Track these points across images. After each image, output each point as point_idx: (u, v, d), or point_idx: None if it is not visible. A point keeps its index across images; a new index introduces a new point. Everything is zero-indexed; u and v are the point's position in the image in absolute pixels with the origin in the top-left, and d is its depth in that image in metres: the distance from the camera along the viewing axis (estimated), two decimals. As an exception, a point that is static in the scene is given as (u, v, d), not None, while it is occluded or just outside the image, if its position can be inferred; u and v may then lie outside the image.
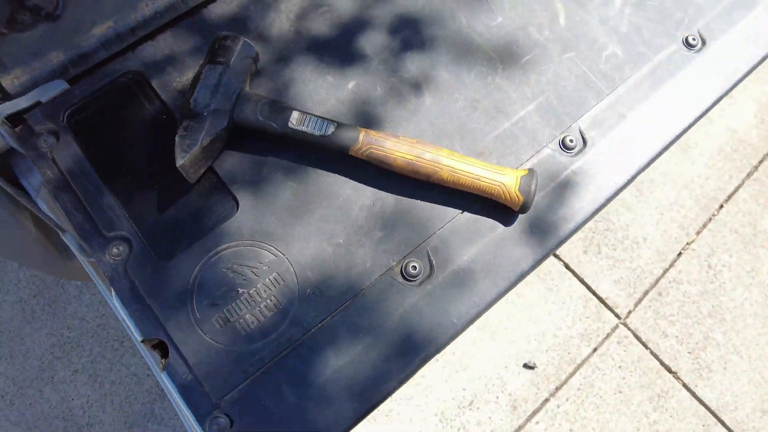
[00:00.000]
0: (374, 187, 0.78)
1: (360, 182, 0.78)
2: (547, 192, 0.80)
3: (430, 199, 0.78)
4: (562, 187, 0.81)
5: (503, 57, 0.87)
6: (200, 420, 0.66)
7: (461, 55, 0.87)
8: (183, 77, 0.81)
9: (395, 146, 0.75)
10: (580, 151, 0.83)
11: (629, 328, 1.79)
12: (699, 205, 1.94)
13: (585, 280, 1.84)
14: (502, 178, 0.75)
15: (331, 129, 0.75)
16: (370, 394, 0.69)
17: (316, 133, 0.74)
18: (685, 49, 0.91)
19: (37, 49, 0.82)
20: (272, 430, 0.66)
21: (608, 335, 1.78)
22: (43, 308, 1.72)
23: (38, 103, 0.81)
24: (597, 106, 0.86)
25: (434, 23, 0.88)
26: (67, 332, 1.70)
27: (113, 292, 0.72)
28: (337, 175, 0.78)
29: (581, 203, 0.80)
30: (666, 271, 1.87)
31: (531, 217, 0.78)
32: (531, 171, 0.77)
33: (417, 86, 0.84)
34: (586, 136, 0.84)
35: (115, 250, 0.73)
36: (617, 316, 1.80)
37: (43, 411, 1.62)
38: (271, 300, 0.72)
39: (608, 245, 1.88)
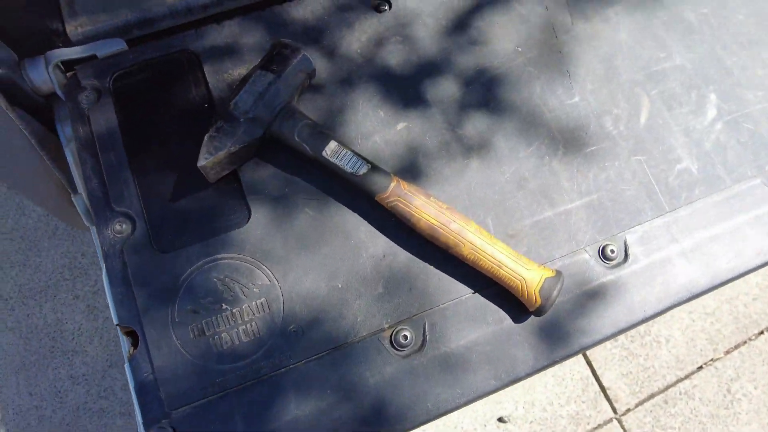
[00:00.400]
0: (390, 239, 0.74)
1: (378, 229, 0.74)
2: (569, 297, 0.74)
3: (444, 268, 0.73)
4: (588, 298, 0.74)
5: (567, 140, 0.81)
6: (147, 424, 0.65)
7: (524, 126, 0.81)
8: (236, 71, 0.78)
9: (423, 206, 0.70)
10: (619, 264, 0.76)
11: (623, 427, 1.69)
12: (737, 323, 1.81)
13: (592, 363, 1.76)
14: (525, 273, 0.70)
15: (364, 170, 0.71)
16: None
17: (348, 169, 0.70)
18: (771, 185, 0.82)
19: (107, 2, 0.81)
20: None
21: (599, 426, 1.69)
22: (65, 229, 1.76)
23: (93, 57, 0.80)
24: (652, 221, 0.79)
25: (506, 84, 0.83)
26: (80, 258, 1.74)
27: (104, 269, 0.70)
28: (357, 215, 0.74)
29: (602, 321, 0.73)
30: (680, 380, 1.75)
31: (545, 320, 0.73)
32: (558, 274, 0.71)
33: (468, 146, 0.79)
34: (630, 251, 0.77)
35: (117, 227, 0.72)
36: (614, 410, 1.71)
37: (38, 325, 1.67)
38: (251, 325, 0.69)
39: (626, 334, 1.78)
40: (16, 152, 0.78)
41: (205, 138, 0.68)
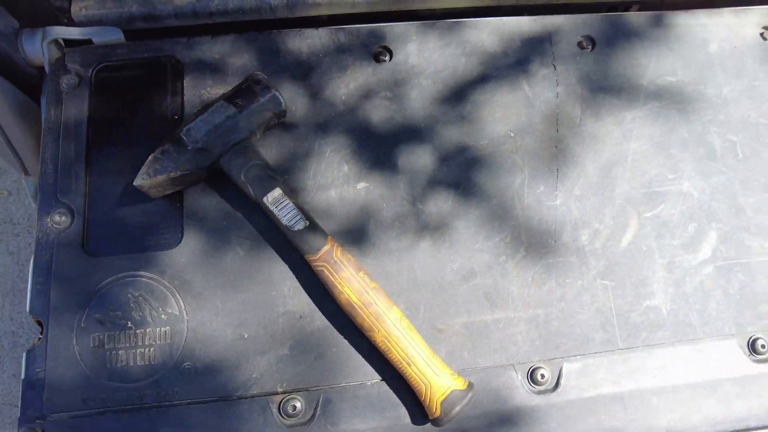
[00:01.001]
0: (313, 301, 0.71)
1: (303, 287, 0.71)
2: (482, 413, 0.69)
3: (358, 347, 0.70)
4: (502, 420, 0.69)
5: (532, 244, 0.75)
6: (22, 420, 0.65)
7: (490, 217, 0.75)
8: (214, 89, 0.77)
9: (347, 280, 0.67)
10: (546, 392, 0.70)
11: None
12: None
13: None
14: (433, 379, 0.65)
15: (300, 226, 0.68)
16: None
17: (284, 221, 0.68)
18: (746, 351, 0.74)
19: (116, -10, 0.81)
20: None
21: None
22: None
23: (89, 42, 0.80)
24: (598, 354, 0.72)
25: (485, 168, 0.77)
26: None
27: (33, 256, 0.71)
28: (287, 267, 0.72)
29: (507, 448, 0.68)
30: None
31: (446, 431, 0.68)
32: (469, 387, 0.66)
33: (424, 224, 0.75)
34: (563, 380, 0.71)
35: (57, 218, 0.72)
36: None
37: (36, 254, 1.74)
38: (150, 350, 0.68)
39: None
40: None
41: (149, 158, 0.67)
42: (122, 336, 0.69)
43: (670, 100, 0.83)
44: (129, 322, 0.69)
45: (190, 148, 0.67)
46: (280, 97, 0.70)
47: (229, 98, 0.69)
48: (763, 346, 0.74)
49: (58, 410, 0.66)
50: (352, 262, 0.68)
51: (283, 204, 0.68)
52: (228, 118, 0.68)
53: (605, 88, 0.82)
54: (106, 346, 0.68)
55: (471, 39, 0.82)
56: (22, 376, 0.68)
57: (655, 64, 0.84)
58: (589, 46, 0.83)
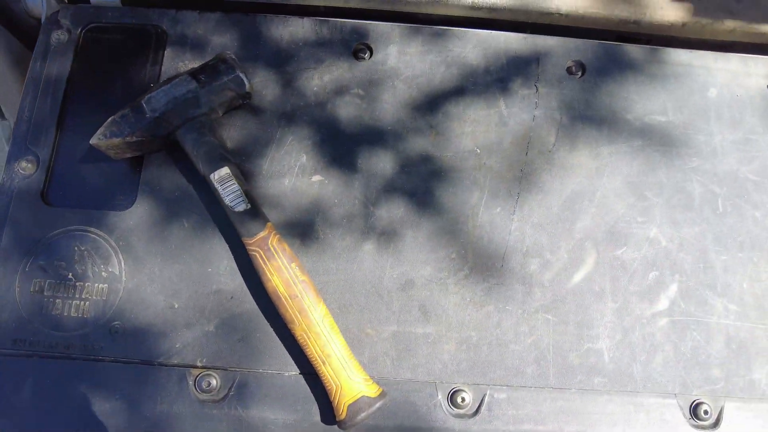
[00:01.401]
0: (247, 284, 0.71)
1: (240, 269, 0.72)
2: (395, 426, 0.68)
3: (283, 336, 0.70)
4: (412, 436, 0.68)
5: (477, 265, 0.73)
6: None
7: (439, 231, 0.74)
8: (191, 64, 0.78)
9: (277, 269, 0.67)
10: (464, 416, 0.69)
11: None
12: None
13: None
14: (344, 380, 0.65)
15: (240, 208, 0.68)
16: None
17: (226, 201, 0.69)
18: (687, 415, 0.70)
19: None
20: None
21: None
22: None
23: (86, 2, 0.83)
24: (526, 388, 0.70)
25: (444, 181, 0.76)
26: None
27: (-5, 195, 0.75)
28: (227, 246, 0.73)
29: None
30: None
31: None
32: (380, 396, 0.66)
33: (371, 227, 0.74)
34: (484, 408, 0.69)
35: (24, 164, 0.75)
36: None
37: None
38: (84, 303, 0.70)
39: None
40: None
41: (108, 120, 0.69)
42: (61, 286, 0.71)
43: (655, 140, 0.79)
44: (70, 274, 0.71)
45: (148, 115, 0.68)
46: (243, 78, 0.71)
47: (193, 73, 0.70)
48: (705, 412, 0.70)
49: (-11, 344, 0.69)
50: (286, 253, 0.68)
51: (228, 184, 0.69)
52: (189, 91, 0.69)
53: (586, 118, 0.79)
54: (45, 293, 0.71)
55: (454, 49, 0.80)
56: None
57: (646, 100, 0.80)
58: (579, 72, 0.80)
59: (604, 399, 0.70)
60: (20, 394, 0.67)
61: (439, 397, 0.69)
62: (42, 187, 0.74)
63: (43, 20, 0.82)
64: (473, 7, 0.84)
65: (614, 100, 0.80)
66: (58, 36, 0.80)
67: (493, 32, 0.81)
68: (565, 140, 0.78)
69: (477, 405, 0.69)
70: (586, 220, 0.75)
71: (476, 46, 0.80)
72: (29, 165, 0.75)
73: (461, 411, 0.69)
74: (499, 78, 0.79)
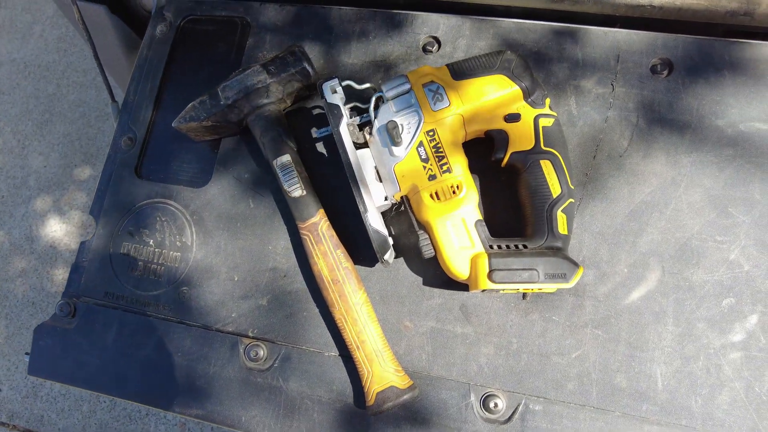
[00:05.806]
0: (299, 265, 0.76)
1: (294, 250, 0.76)
2: (423, 419, 0.69)
3: (326, 317, 0.73)
4: None
5: (526, 270, 0.70)
6: (64, 294, 0.81)
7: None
8: (269, 54, 0.83)
9: (323, 254, 0.70)
10: (497, 422, 0.67)
11: None
12: None
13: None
14: (376, 368, 0.67)
15: (297, 194, 0.72)
16: (154, 397, 0.75)
17: (284, 185, 0.73)
18: (747, 458, 0.62)
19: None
20: (70, 355, 0.78)
21: None
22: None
23: (194, -5, 0.92)
24: (566, 404, 0.66)
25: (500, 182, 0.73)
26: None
27: (103, 167, 0.86)
28: (286, 228, 0.77)
29: (434, 460, 0.67)
30: None
31: (380, 425, 0.69)
32: (410, 389, 0.67)
33: (421, 221, 0.74)
34: (518, 417, 0.67)
35: (126, 140, 0.86)
36: None
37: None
38: (160, 268, 0.79)
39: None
40: (111, 48, 0.96)
41: (189, 105, 0.76)
42: (143, 250, 0.80)
43: (750, 151, 0.70)
44: (151, 240, 0.80)
45: (222, 102, 0.74)
46: (310, 69, 0.74)
47: (264, 64, 0.75)
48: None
49: (88, 294, 0.80)
50: (333, 239, 0.71)
51: (288, 170, 0.73)
52: (259, 81, 0.74)
53: (667, 122, 0.72)
54: (131, 255, 0.81)
55: (525, 42, 0.77)
56: (73, 261, 0.84)
57: (745, 104, 0.71)
58: (665, 71, 0.73)
59: (651, 429, 0.65)
60: (105, 339, 0.78)
61: (472, 398, 0.69)
62: (136, 162, 0.84)
63: (153, 12, 0.92)
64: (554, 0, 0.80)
65: (704, 104, 0.71)
66: (162, 27, 0.89)
67: (570, 26, 0.76)
68: (639, 145, 0.72)
69: (510, 413, 0.68)
70: (654, 233, 0.69)
71: (550, 40, 0.76)
72: (129, 141, 0.86)
73: (493, 416, 0.68)
74: (571, 74, 0.75)
